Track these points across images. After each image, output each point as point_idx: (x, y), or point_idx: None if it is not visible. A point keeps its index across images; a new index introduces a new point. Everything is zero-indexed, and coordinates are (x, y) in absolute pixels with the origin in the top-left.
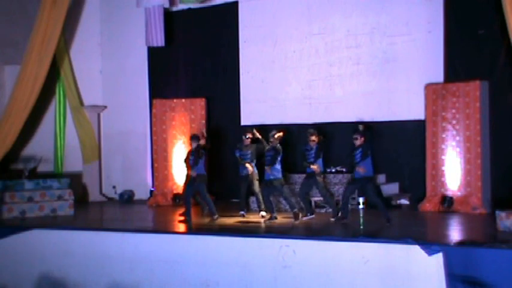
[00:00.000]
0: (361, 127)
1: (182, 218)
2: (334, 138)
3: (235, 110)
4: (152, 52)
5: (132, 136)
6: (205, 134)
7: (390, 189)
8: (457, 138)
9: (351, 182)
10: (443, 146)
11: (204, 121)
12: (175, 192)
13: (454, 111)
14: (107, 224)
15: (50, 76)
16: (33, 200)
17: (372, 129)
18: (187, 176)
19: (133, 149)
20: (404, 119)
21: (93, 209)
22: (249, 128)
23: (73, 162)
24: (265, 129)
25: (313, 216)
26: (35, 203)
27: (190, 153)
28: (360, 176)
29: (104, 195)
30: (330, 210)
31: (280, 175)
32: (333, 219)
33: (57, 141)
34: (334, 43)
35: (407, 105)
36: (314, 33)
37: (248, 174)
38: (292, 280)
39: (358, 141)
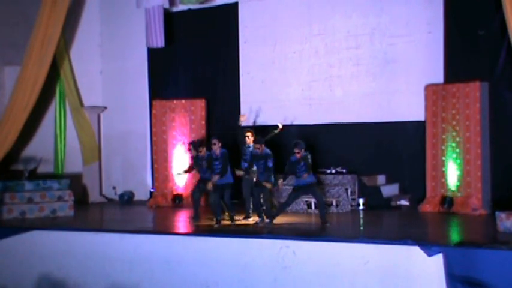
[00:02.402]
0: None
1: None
2: (334, 139)
3: (235, 110)
4: (152, 53)
5: (132, 137)
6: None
7: (390, 190)
8: (457, 139)
9: (296, 189)
10: (443, 147)
11: (204, 122)
12: (175, 193)
13: (454, 112)
14: (107, 224)
15: (50, 77)
16: (33, 201)
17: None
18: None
19: (133, 150)
20: (404, 120)
21: (93, 209)
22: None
23: (73, 163)
24: (265, 130)
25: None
26: (35, 203)
27: (197, 158)
28: (305, 182)
29: (103, 196)
30: (330, 211)
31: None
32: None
33: (57, 142)
34: (334, 44)
35: (407, 106)
36: (314, 34)
37: None
38: (292, 281)
39: (299, 154)
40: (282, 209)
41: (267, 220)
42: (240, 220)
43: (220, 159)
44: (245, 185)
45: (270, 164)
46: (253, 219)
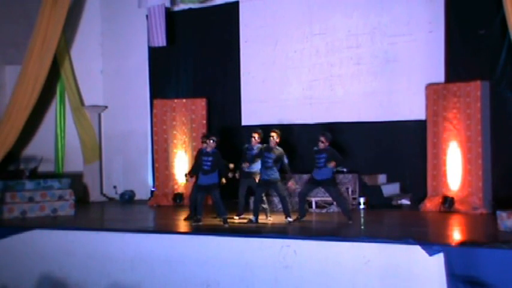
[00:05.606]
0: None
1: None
2: (335, 139)
3: (236, 110)
4: (153, 52)
5: (132, 136)
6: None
7: (391, 189)
8: (458, 138)
9: (310, 182)
10: (444, 146)
11: (204, 121)
12: (176, 192)
13: (455, 111)
14: (108, 224)
15: (51, 76)
16: (34, 200)
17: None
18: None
19: (134, 149)
20: (405, 119)
21: (93, 209)
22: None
23: (74, 162)
24: (266, 130)
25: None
26: (36, 203)
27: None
28: (321, 178)
29: (104, 195)
30: (331, 210)
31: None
32: (290, 220)
33: (57, 141)
34: (335, 43)
35: (408, 106)
36: (315, 33)
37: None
38: (293, 280)
39: (323, 144)
40: (302, 202)
41: (289, 219)
42: (233, 219)
43: (211, 156)
44: (242, 186)
45: (286, 160)
46: (244, 217)
